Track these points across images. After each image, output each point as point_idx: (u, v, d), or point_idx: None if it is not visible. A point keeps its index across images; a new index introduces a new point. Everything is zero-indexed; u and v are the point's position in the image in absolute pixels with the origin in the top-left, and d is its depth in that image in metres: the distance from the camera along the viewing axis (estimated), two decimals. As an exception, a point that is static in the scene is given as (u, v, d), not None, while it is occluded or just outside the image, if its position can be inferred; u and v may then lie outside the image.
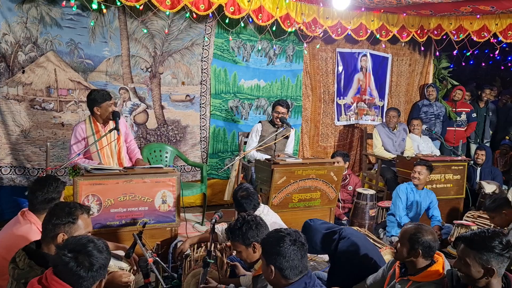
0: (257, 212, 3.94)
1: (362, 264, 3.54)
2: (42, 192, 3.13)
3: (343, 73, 7.72)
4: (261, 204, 4.16)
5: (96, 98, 4.61)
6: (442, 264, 3.03)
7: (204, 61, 6.48)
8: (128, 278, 2.97)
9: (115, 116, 4.61)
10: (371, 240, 4.33)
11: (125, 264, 3.23)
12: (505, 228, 4.34)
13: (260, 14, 6.24)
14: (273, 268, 2.54)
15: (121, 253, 3.41)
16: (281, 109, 5.82)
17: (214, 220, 3.50)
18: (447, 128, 8.04)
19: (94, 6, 5.23)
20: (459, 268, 2.66)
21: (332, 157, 6.31)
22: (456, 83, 8.52)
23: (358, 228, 5.04)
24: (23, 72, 5.44)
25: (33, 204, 3.15)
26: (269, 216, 4.00)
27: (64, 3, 5.19)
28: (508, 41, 6.96)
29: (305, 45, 7.15)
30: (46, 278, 2.11)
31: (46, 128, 5.62)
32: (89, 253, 2.12)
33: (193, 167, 6.51)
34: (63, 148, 5.67)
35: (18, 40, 5.35)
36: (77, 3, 5.39)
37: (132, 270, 3.23)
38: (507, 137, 8.57)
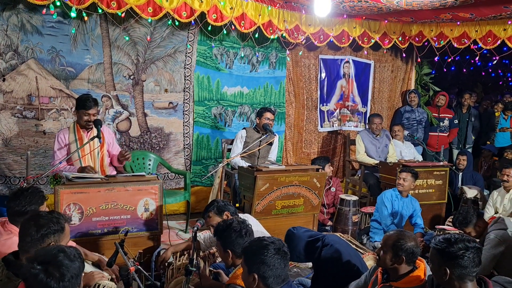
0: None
1: (345, 270, 3.55)
2: (14, 203, 3.12)
3: (326, 79, 7.75)
4: (239, 214, 4.16)
5: (77, 103, 4.66)
6: (423, 270, 3.04)
7: (187, 68, 6.48)
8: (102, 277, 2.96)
9: (97, 124, 4.58)
10: (353, 246, 4.36)
11: (106, 273, 3.21)
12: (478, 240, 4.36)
13: (243, 22, 6.24)
14: (256, 276, 2.52)
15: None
16: (270, 115, 5.85)
17: (196, 228, 3.49)
18: (430, 134, 8.11)
19: (73, 14, 5.16)
20: (431, 271, 2.71)
21: (313, 163, 6.27)
22: (438, 89, 8.62)
23: (341, 234, 5.06)
24: (4, 80, 5.38)
25: (7, 214, 3.15)
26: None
27: (44, 10, 5.13)
28: (488, 47, 7.04)
29: (287, 52, 7.18)
30: None
31: (28, 136, 5.56)
32: (59, 263, 2.05)
33: (176, 175, 6.48)
34: (44, 156, 5.61)
35: (-2, 47, 5.31)
36: (58, 11, 5.35)
37: (114, 280, 3.21)
38: (488, 142, 8.69)
